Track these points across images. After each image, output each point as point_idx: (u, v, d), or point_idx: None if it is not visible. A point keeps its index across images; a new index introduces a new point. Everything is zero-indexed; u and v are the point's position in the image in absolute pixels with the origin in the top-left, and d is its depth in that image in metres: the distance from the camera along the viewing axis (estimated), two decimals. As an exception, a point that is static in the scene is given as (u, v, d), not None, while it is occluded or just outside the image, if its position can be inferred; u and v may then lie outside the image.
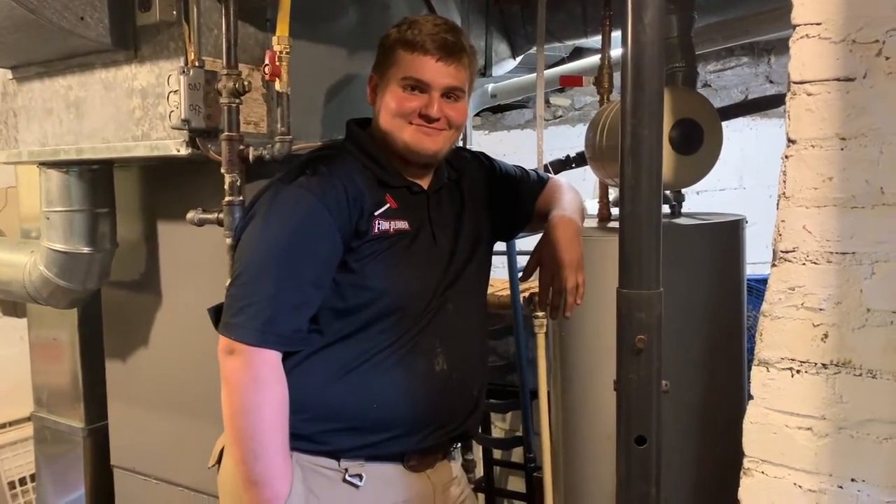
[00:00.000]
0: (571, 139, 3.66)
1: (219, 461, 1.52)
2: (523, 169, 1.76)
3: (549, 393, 2.14)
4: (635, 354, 1.27)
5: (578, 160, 2.46)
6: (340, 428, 1.41)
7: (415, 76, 1.41)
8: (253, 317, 1.32)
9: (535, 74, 2.96)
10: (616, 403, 1.30)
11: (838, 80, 1.14)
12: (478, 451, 3.18)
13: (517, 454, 3.23)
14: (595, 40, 2.71)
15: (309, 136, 1.86)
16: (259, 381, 1.33)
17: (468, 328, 1.54)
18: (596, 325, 1.83)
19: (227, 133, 1.64)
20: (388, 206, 1.44)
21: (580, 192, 1.78)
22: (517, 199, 1.69)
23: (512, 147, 4.05)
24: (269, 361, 1.34)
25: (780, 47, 3.33)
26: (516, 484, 3.48)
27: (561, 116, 4.04)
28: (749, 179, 3.57)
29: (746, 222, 1.94)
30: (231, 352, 1.34)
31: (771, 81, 3.38)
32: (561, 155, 2.76)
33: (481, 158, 1.70)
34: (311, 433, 1.40)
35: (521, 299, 2.48)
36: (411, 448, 1.46)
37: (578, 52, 3.49)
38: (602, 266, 1.75)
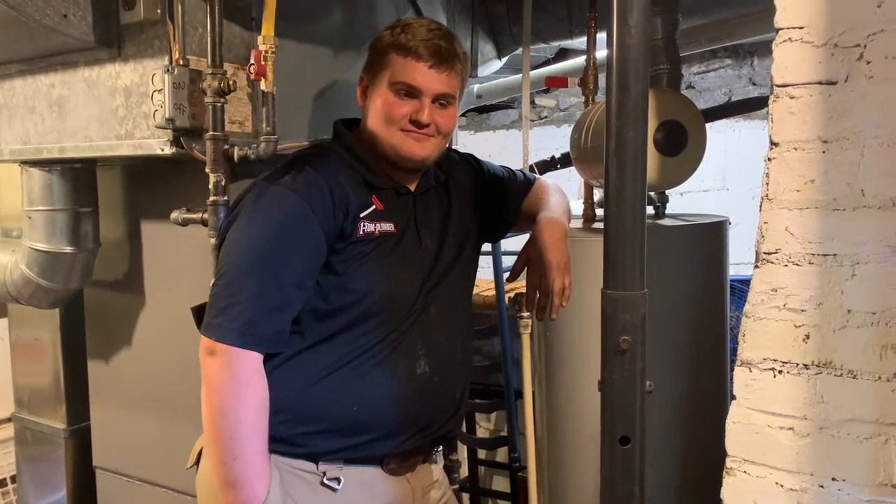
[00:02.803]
0: (557, 140, 3.67)
1: (197, 461, 1.51)
2: (510, 170, 1.75)
3: (533, 393, 2.14)
4: (619, 355, 1.28)
5: (564, 161, 2.47)
6: (319, 430, 1.40)
7: (407, 82, 1.40)
8: (234, 318, 1.31)
9: (520, 75, 2.97)
10: (600, 404, 1.31)
11: (820, 83, 1.15)
12: (462, 451, 3.18)
13: (502, 454, 3.23)
14: (581, 41, 2.72)
15: (295, 137, 1.85)
16: (239, 383, 1.32)
17: (452, 330, 1.53)
18: (581, 325, 1.83)
19: (211, 132, 1.63)
20: (373, 207, 1.43)
21: (565, 193, 1.79)
22: (504, 200, 1.68)
23: (497, 147, 4.06)
24: (250, 363, 1.33)
25: (764, 50, 3.36)
26: (501, 484, 3.48)
27: (546, 117, 4.05)
28: (732, 181, 3.60)
29: (730, 223, 1.95)
30: (212, 352, 1.32)
31: (754, 84, 3.41)
32: (546, 155, 2.77)
33: (469, 160, 1.69)
34: (289, 435, 1.39)
35: (507, 299, 2.48)
36: (391, 451, 1.45)
37: (564, 54, 3.50)
38: (586, 267, 1.76)
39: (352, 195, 1.40)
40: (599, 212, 2.05)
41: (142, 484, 2.20)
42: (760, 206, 1.22)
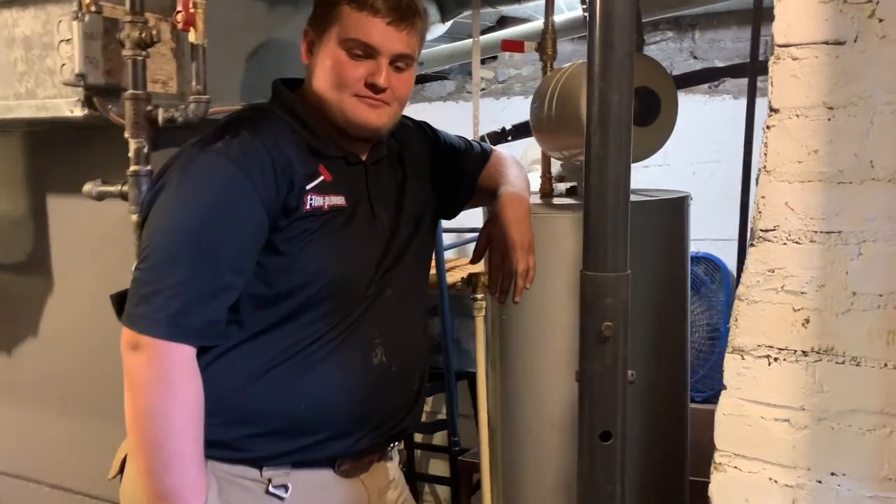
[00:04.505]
0: (495, 112, 3.56)
1: (121, 471, 1.35)
2: (467, 140, 1.65)
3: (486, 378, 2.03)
4: (600, 343, 1.18)
5: (516, 133, 2.34)
6: (263, 432, 1.26)
7: (362, 39, 1.25)
8: (161, 307, 1.16)
9: (465, 41, 2.84)
10: (578, 396, 1.20)
11: (827, 43, 1.07)
12: (400, 436, 3.07)
13: (438, 437, 3.14)
14: (525, 8, 2.59)
15: (224, 100, 1.66)
16: (169, 381, 1.17)
17: (409, 315, 1.41)
18: (540, 307, 1.73)
19: (131, 91, 1.43)
20: (321, 178, 1.29)
21: (523, 166, 1.68)
22: (461, 172, 1.57)
23: (433, 120, 3.91)
24: (181, 358, 1.18)
25: (705, 23, 3.32)
26: (438, 468, 3.40)
27: (484, 89, 3.93)
28: (673, 156, 3.56)
29: (691, 199, 1.87)
30: (136, 347, 1.17)
31: (695, 57, 3.37)
32: (486, 128, 2.64)
33: (425, 129, 1.57)
34: (228, 439, 1.25)
35: (459, 280, 2.35)
36: (344, 451, 1.32)
37: (503, 22, 3.39)
38: (549, 246, 1.65)
39: (296, 164, 1.26)
40: (558, 186, 1.94)
41: (52, 489, 2.00)
42: (757, 179, 1.13)
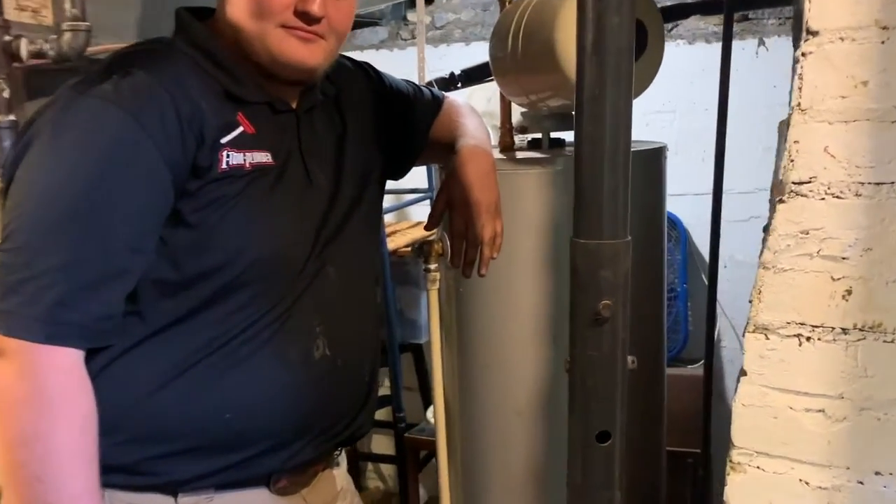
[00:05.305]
0: (434, 60, 3.29)
1: None
2: (415, 85, 1.42)
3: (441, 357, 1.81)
4: (597, 325, 0.99)
5: (466, 79, 2.10)
6: (177, 450, 1.03)
7: None
8: (33, 299, 0.91)
9: (400, -21, 2.57)
10: (569, 389, 1.01)
11: (881, -57, 0.85)
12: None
13: (381, 412, 2.93)
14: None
15: (115, 37, 1.36)
16: (48, 396, 0.92)
17: (356, 296, 1.18)
18: (503, 278, 1.51)
19: (-17, 17, 1.13)
20: (241, 129, 1.05)
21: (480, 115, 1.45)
22: (412, 123, 1.35)
23: (364, 71, 3.61)
24: (62, 365, 0.93)
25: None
26: (381, 445, 3.21)
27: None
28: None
29: (668, 150, 1.68)
30: (1, 353, 0.91)
31: None
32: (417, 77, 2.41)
33: (367, 70, 1.34)
34: (132, 462, 1.02)
35: (410, 247, 2.12)
36: (281, 465, 1.10)
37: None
38: (511, 206, 1.43)
39: (208, 112, 1.01)
40: (519, 139, 1.71)
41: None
42: (789, 120, 0.92)
